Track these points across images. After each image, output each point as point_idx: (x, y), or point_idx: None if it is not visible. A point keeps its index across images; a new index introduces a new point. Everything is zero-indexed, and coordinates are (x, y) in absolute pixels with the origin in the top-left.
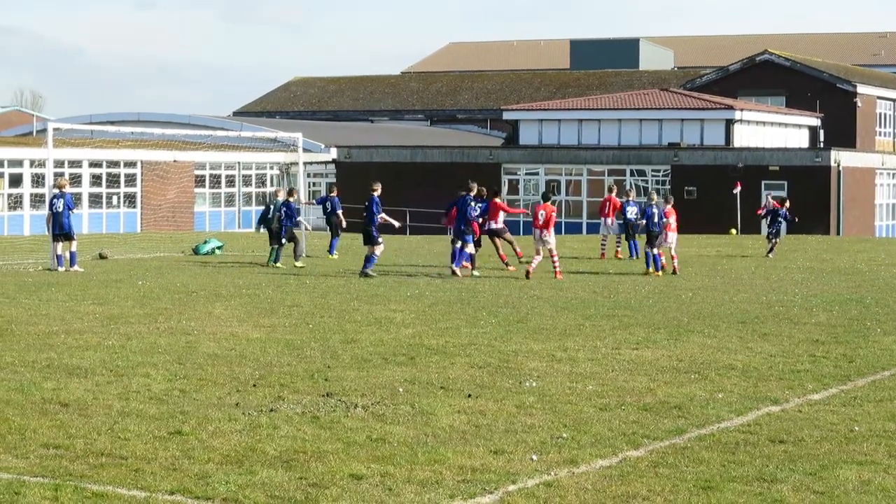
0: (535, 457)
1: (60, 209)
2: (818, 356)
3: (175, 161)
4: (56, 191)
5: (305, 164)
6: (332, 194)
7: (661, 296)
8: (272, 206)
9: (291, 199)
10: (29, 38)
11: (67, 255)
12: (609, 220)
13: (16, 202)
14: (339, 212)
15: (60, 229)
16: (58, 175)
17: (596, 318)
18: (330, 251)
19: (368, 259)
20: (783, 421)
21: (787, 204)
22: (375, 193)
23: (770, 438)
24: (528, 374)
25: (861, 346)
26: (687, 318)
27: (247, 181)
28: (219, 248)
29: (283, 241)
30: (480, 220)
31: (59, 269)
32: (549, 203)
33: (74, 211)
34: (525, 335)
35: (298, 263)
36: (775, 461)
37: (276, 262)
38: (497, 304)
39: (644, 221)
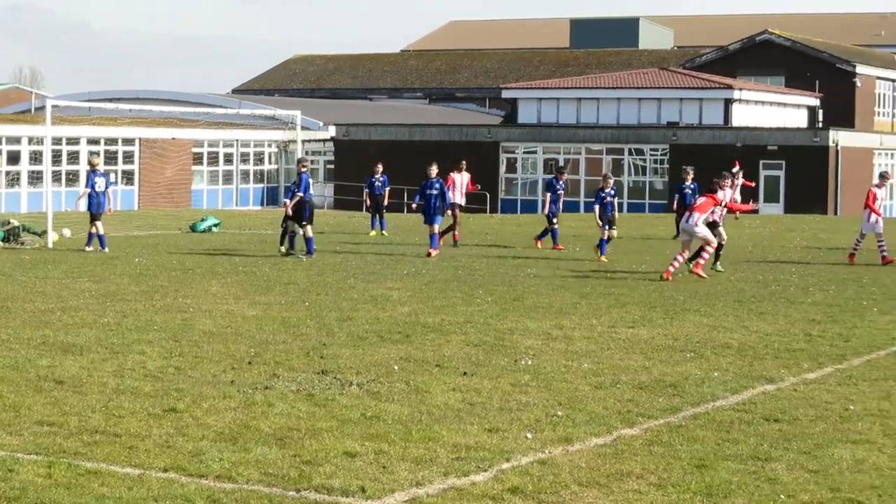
0: (529, 435)
1: (103, 188)
2: (814, 335)
3: (173, 139)
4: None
5: (303, 141)
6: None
7: (658, 275)
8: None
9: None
10: (37, 14)
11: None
12: (873, 217)
13: (13, 179)
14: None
15: (98, 209)
16: (92, 154)
17: (592, 297)
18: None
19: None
20: (778, 400)
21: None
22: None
23: (765, 417)
24: (523, 353)
25: (857, 325)
26: (683, 296)
27: (245, 159)
28: (216, 225)
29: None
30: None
31: (88, 248)
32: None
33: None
34: (521, 313)
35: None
36: (770, 440)
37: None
38: (493, 282)
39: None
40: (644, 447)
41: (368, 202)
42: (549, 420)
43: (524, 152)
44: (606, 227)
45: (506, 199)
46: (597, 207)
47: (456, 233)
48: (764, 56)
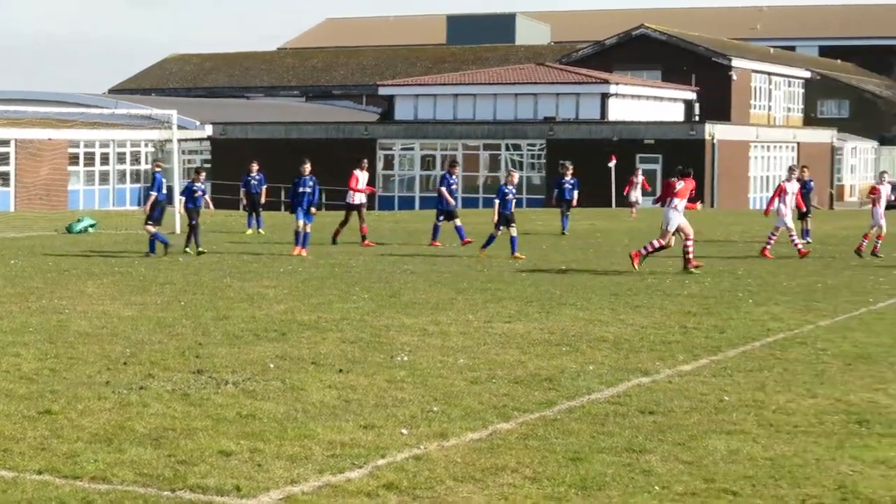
0: (405, 431)
1: None
2: (689, 327)
3: (49, 139)
4: None
5: (180, 141)
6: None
7: (534, 269)
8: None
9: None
10: None
11: None
12: (782, 209)
13: None
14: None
15: None
16: None
17: (469, 292)
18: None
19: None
20: (653, 392)
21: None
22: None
23: (640, 409)
24: (399, 349)
25: (732, 317)
26: (559, 291)
27: (121, 159)
28: (92, 226)
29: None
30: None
31: None
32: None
33: None
34: (397, 310)
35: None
36: (644, 432)
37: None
38: (370, 279)
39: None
40: (519, 441)
41: (245, 201)
42: (425, 416)
43: (401, 149)
44: (503, 226)
45: (383, 195)
46: (497, 203)
47: (340, 231)
48: (640, 50)
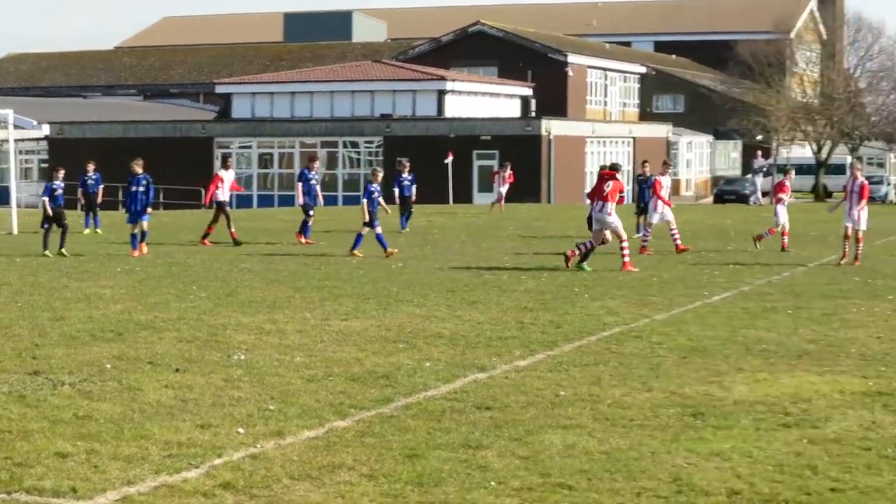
0: (241, 430)
1: None
2: (526, 323)
3: None
4: None
5: (16, 141)
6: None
7: (372, 266)
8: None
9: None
10: None
11: None
12: (660, 207)
13: None
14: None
15: None
16: None
17: (306, 290)
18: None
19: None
20: (490, 387)
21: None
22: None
23: (476, 405)
24: (236, 348)
25: (569, 311)
26: (397, 287)
27: None
28: None
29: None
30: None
31: None
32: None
33: None
34: (234, 308)
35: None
36: (481, 427)
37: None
38: (207, 277)
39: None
40: (356, 438)
41: (82, 200)
42: (262, 414)
43: (239, 147)
44: (377, 223)
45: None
46: (364, 202)
47: (232, 231)
48: (477, 47)
